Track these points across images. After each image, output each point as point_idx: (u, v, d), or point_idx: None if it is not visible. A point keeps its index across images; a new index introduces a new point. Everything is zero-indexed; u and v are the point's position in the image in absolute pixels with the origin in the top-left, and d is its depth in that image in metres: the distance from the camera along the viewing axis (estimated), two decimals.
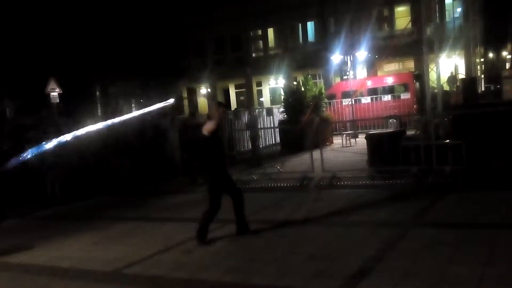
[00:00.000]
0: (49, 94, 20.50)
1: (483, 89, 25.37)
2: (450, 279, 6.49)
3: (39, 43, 36.93)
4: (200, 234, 9.47)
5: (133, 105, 48.44)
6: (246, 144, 22.67)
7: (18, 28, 36.58)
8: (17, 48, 36.12)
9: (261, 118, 25.23)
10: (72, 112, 26.63)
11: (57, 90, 20.57)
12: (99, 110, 42.06)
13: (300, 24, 49.19)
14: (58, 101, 20.71)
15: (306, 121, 20.98)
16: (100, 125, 10.43)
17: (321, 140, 16.55)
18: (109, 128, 18.48)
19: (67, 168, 16.51)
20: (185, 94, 54.10)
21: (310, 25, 48.70)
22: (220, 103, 10.05)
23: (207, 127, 9.34)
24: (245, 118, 23.78)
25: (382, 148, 14.56)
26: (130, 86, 45.28)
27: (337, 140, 24.36)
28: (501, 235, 8.20)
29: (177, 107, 43.40)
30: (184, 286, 7.44)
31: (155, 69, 45.21)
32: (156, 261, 8.79)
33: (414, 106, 27.15)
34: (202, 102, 53.84)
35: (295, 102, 24.21)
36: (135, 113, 9.75)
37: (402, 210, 10.64)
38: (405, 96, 28.60)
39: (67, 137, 16.13)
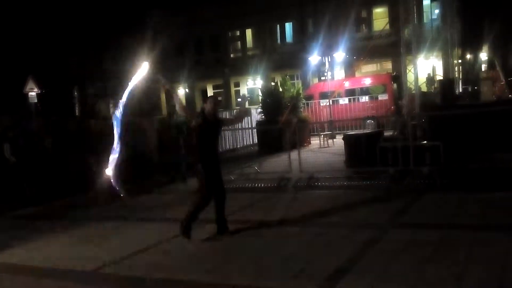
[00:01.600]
0: (27, 94, 20.34)
1: (460, 91, 25.46)
2: (428, 280, 6.49)
3: (17, 42, 36.68)
4: (186, 227, 9.37)
5: (110, 105, 48.33)
6: (224, 145, 22.67)
7: None
8: None
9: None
10: (50, 111, 26.45)
11: (36, 90, 20.42)
12: (76, 110, 41.88)
13: (278, 25, 49.25)
14: (36, 101, 20.56)
15: (284, 122, 20.95)
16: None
17: (298, 140, 16.51)
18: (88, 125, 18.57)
19: (45, 166, 16.40)
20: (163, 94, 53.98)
21: (289, 26, 48.80)
22: (210, 96, 10.05)
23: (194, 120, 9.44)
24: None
25: (360, 149, 14.59)
26: (108, 85, 45.13)
27: (315, 141, 24.38)
28: (479, 236, 8.22)
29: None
30: (163, 286, 7.40)
31: (133, 70, 45.02)
32: (135, 261, 8.71)
33: (391, 107, 27.24)
34: (181, 101, 53.65)
35: (273, 102, 24.16)
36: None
37: (380, 211, 10.64)
38: (383, 97, 28.68)
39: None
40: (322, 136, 23.90)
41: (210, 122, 9.40)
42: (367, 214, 10.50)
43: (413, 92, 17.76)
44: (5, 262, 9.59)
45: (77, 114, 40.61)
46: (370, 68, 43.49)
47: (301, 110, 25.84)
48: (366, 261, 7.46)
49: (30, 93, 20.36)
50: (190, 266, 8.05)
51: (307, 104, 28.44)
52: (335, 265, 7.32)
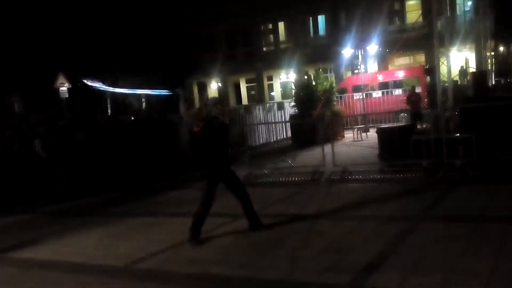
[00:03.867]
0: (58, 89, 20.49)
1: (493, 83, 25.28)
2: (460, 273, 6.54)
3: (48, 38, 36.99)
4: (193, 232, 9.37)
5: (142, 100, 48.57)
6: (257, 139, 22.82)
7: (27, 24, 36.67)
8: (26, 43, 36.24)
9: (272, 113, 25.30)
10: (81, 107, 26.69)
11: (66, 84, 20.56)
12: (108, 105, 42.17)
13: (311, 18, 49.04)
14: (67, 96, 20.69)
15: (317, 116, 21.00)
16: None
17: (332, 134, 16.56)
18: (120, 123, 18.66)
19: (77, 163, 16.58)
20: (195, 89, 54.13)
21: (321, 19, 48.52)
22: (217, 100, 10.07)
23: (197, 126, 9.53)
24: (258, 112, 23.95)
25: (393, 142, 14.59)
26: (139, 81, 45.32)
27: (348, 134, 24.39)
28: (511, 228, 8.24)
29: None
30: (195, 281, 7.45)
31: (165, 63, 45.19)
32: (166, 256, 8.83)
33: (425, 100, 27.11)
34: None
35: (306, 96, 24.17)
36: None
37: (413, 203, 10.69)
38: (416, 90, 28.55)
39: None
40: (356, 129, 23.88)
41: (216, 126, 9.42)
42: (400, 207, 10.56)
43: (446, 85, 17.69)
44: (37, 258, 9.75)
45: (108, 109, 40.92)
46: (403, 61, 43.19)
47: (334, 103, 25.84)
48: (398, 254, 7.53)
49: (61, 88, 20.48)
50: (223, 261, 8.14)
51: (340, 97, 28.44)
52: (368, 258, 7.40)
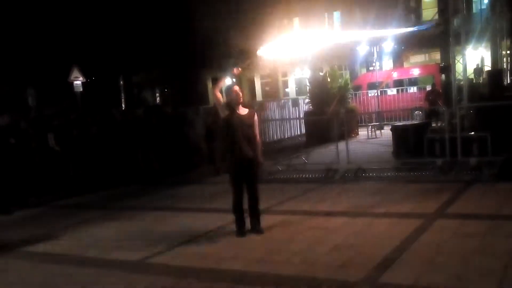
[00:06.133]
0: (72, 83, 20.56)
1: (508, 82, 25.16)
2: (474, 271, 6.56)
3: (62, 31, 37.03)
4: (236, 228, 9.39)
5: (157, 94, 48.71)
6: (271, 135, 22.86)
7: (42, 17, 36.75)
8: (40, 37, 36.32)
9: (286, 109, 25.31)
10: (95, 101, 26.78)
11: (81, 78, 20.62)
12: (122, 99, 42.26)
13: (326, 14, 48.90)
14: (81, 89, 20.76)
15: (331, 112, 21.00)
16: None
17: (346, 131, 16.56)
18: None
19: (91, 156, 16.69)
20: (209, 84, 54.17)
21: (336, 15, 48.40)
22: (231, 86, 9.70)
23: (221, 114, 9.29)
24: (272, 108, 24.00)
25: (408, 140, 14.60)
26: (153, 75, 45.34)
27: (363, 132, 24.39)
28: None
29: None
30: (210, 276, 7.47)
31: (180, 58, 45.19)
32: (181, 251, 8.88)
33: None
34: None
35: (320, 93, 24.15)
36: None
37: (427, 201, 10.68)
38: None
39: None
40: (370, 127, 23.86)
41: (237, 114, 9.24)
42: (414, 205, 10.56)
43: (462, 83, 17.66)
44: (51, 251, 9.83)
45: (122, 103, 40.98)
46: (418, 58, 43.08)
47: (349, 100, 25.83)
48: (412, 251, 7.56)
49: (75, 82, 20.52)
50: (237, 256, 8.19)
51: (355, 94, 28.41)
52: (382, 255, 7.43)
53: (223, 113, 9.18)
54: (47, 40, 36.58)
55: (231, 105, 9.22)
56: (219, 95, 9.29)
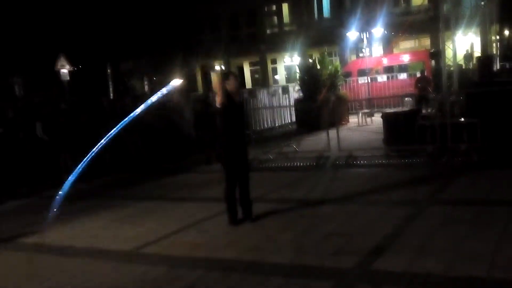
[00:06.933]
0: (59, 71, 20.45)
1: (498, 67, 25.28)
2: (465, 256, 6.62)
3: (48, 18, 36.81)
4: (229, 217, 9.36)
5: (145, 82, 48.56)
6: (262, 123, 22.84)
7: (28, 5, 36.51)
8: (26, 24, 36.10)
9: (276, 97, 25.25)
10: (83, 89, 26.64)
11: (67, 67, 20.51)
12: (110, 88, 42.10)
13: (315, 0, 48.74)
14: (68, 78, 20.65)
15: (322, 100, 20.98)
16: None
17: (337, 118, 16.58)
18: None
19: (80, 145, 16.65)
20: (198, 71, 54.04)
21: (326, 1, 48.22)
22: (226, 74, 9.66)
23: (217, 100, 9.15)
24: (262, 96, 23.93)
25: (398, 127, 14.61)
26: (142, 63, 45.18)
27: (353, 119, 24.38)
28: None
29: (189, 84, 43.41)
30: (202, 265, 7.48)
31: (168, 45, 45.06)
32: (173, 240, 8.89)
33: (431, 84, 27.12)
34: (215, 79, 53.66)
35: (310, 80, 24.11)
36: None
37: (418, 188, 10.73)
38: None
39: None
40: (361, 114, 23.88)
41: (235, 102, 9.15)
42: (405, 191, 10.61)
43: (452, 69, 17.70)
44: (40, 242, 9.82)
45: (110, 91, 40.81)
46: (408, 44, 43.13)
47: (340, 87, 25.81)
48: (404, 238, 7.61)
49: (62, 70, 20.41)
50: (230, 245, 8.21)
51: (345, 81, 28.40)
52: (374, 242, 7.47)
53: (221, 101, 9.01)
54: (33, 28, 36.38)
55: (230, 93, 9.06)
56: (220, 83, 9.14)
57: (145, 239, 9.02)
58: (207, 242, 8.54)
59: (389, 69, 30.21)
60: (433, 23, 28.54)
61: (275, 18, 52.22)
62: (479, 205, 8.96)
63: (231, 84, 9.03)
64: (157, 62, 45.89)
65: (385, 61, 31.06)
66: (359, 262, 6.83)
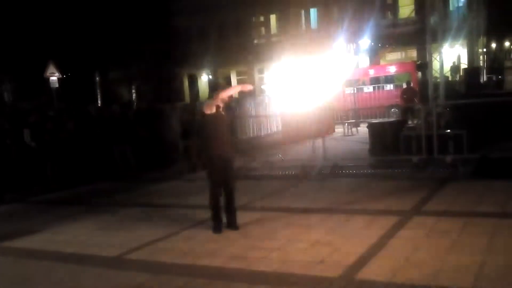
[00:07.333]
0: (48, 79, 20.41)
1: (485, 79, 25.43)
2: (449, 267, 6.60)
3: (38, 26, 36.79)
4: (213, 225, 9.38)
5: (133, 90, 48.55)
6: (248, 132, 22.81)
7: (17, 12, 36.46)
8: (16, 31, 36.03)
9: (263, 106, 25.23)
10: (72, 96, 26.58)
11: (57, 74, 20.46)
12: (98, 95, 42.10)
13: (303, 11, 48.86)
14: (57, 85, 20.61)
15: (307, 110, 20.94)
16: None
17: (323, 128, 16.58)
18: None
19: (67, 152, 16.58)
20: (185, 81, 54.00)
21: (313, 12, 48.38)
22: (219, 85, 9.77)
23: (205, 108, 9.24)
24: (249, 105, 23.92)
25: (384, 138, 14.65)
26: (130, 71, 45.23)
27: (339, 129, 24.42)
28: (501, 224, 8.32)
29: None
30: (187, 272, 7.46)
31: (156, 54, 45.13)
32: (158, 247, 8.86)
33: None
34: (203, 88, 53.64)
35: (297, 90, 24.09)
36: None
37: (403, 198, 10.72)
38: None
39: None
40: (346, 124, 23.91)
41: (219, 112, 9.20)
42: (391, 202, 10.59)
43: (438, 80, 17.76)
44: (29, 247, 9.78)
45: (98, 99, 40.81)
46: (395, 56, 43.30)
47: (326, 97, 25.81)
48: (389, 248, 7.58)
49: (51, 78, 20.38)
50: (215, 253, 8.16)
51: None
52: (359, 252, 7.44)
53: (209, 110, 9.08)
54: (23, 35, 36.32)
55: (223, 103, 9.18)
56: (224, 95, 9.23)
57: (130, 246, 8.99)
58: (193, 249, 8.50)
59: (375, 80, 30.28)
60: (420, 35, 28.62)
61: (263, 28, 52.23)
62: (464, 216, 8.95)
63: (224, 95, 9.17)
64: (144, 71, 45.93)
65: (372, 72, 31.14)
66: (345, 272, 6.80)
